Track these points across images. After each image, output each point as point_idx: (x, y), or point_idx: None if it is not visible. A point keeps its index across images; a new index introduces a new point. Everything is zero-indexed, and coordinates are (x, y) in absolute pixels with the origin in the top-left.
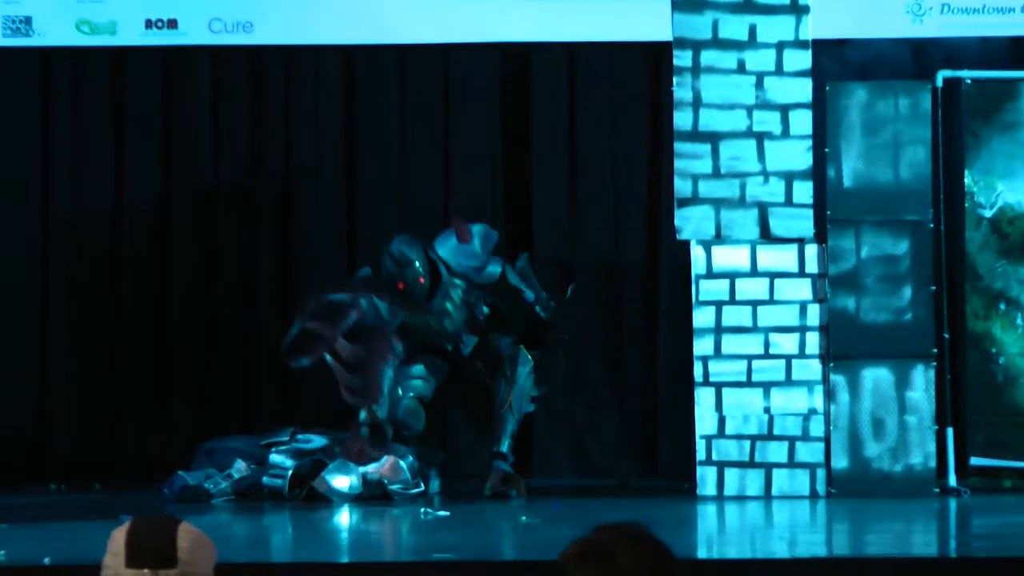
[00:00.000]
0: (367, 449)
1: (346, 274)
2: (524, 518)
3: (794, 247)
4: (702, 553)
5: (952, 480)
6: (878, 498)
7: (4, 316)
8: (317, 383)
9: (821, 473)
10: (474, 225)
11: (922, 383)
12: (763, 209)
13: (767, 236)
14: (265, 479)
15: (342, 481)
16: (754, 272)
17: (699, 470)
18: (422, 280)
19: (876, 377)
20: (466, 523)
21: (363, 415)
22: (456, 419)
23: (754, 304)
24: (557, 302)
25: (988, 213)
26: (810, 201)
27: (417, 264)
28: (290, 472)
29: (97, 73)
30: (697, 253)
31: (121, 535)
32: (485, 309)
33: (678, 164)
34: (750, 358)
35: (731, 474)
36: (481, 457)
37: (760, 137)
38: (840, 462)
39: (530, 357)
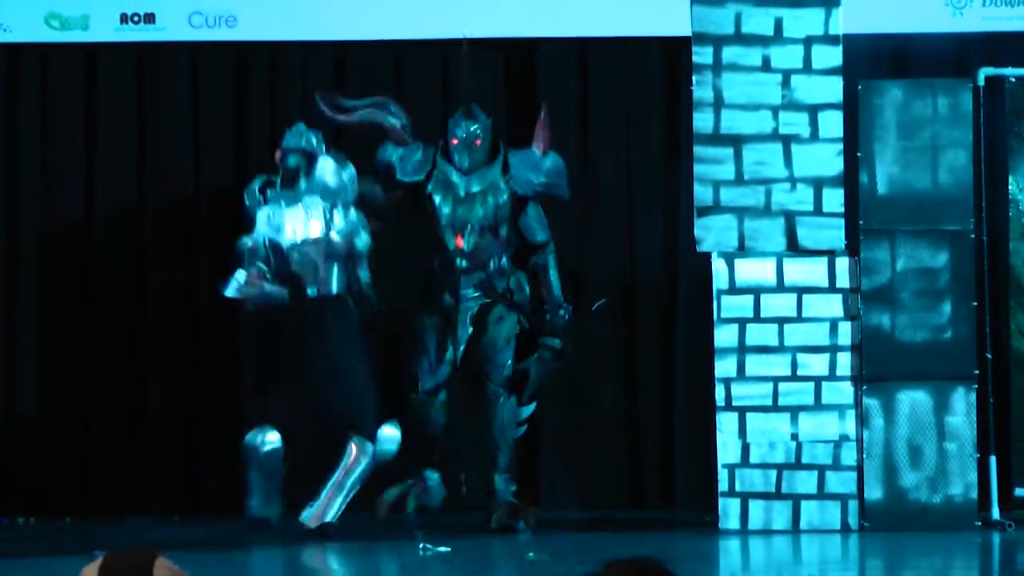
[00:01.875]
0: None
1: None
2: (531, 554)
3: (824, 260)
4: None
5: (995, 512)
6: (915, 532)
7: None
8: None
9: (853, 505)
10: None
11: (963, 407)
12: (790, 218)
13: (794, 248)
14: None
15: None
16: (780, 287)
17: (721, 502)
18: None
19: (913, 401)
20: (468, 559)
21: None
22: (457, 447)
23: (780, 322)
24: (573, 315)
25: None
26: (841, 210)
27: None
28: None
29: (68, 71)
30: (719, 266)
31: (93, 571)
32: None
33: (698, 170)
34: (776, 380)
35: (756, 506)
36: (483, 488)
37: (787, 140)
38: (874, 493)
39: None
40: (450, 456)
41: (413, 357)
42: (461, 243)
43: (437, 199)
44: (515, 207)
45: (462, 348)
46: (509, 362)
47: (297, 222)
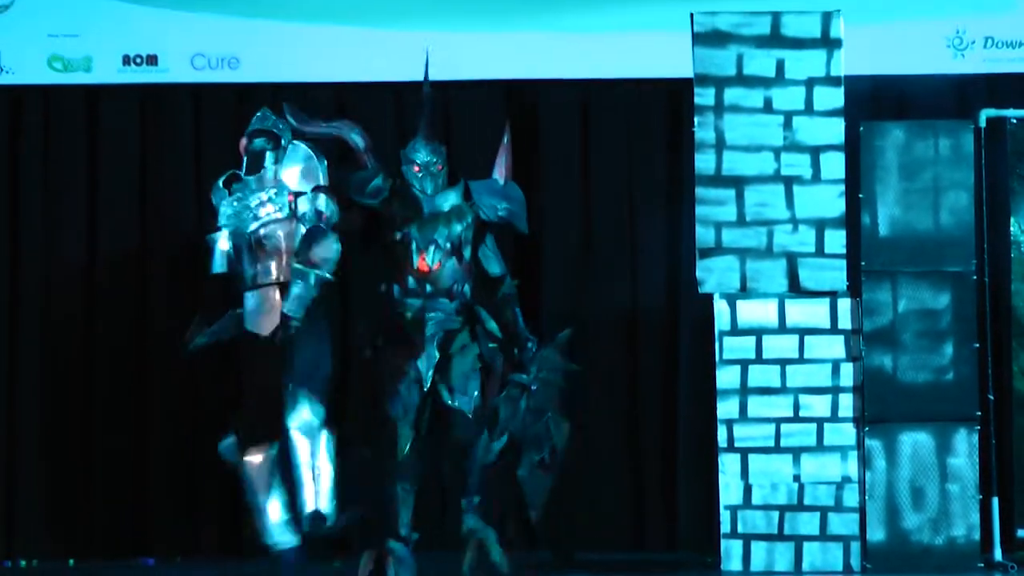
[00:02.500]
0: None
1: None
2: None
3: (826, 301)
4: None
5: (998, 554)
6: (918, 574)
7: None
8: None
9: (856, 546)
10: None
11: (965, 448)
12: (792, 260)
13: (796, 289)
14: None
15: None
16: (782, 328)
17: (723, 543)
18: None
19: (915, 442)
20: None
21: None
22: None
23: (782, 363)
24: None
25: None
26: (843, 251)
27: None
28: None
29: (70, 113)
30: (721, 307)
31: None
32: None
33: (700, 211)
34: (778, 421)
35: (758, 548)
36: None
37: (788, 181)
38: (876, 534)
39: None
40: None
41: (382, 381)
42: (425, 265)
43: (399, 220)
44: (475, 236)
45: (430, 373)
46: (476, 392)
47: (262, 206)
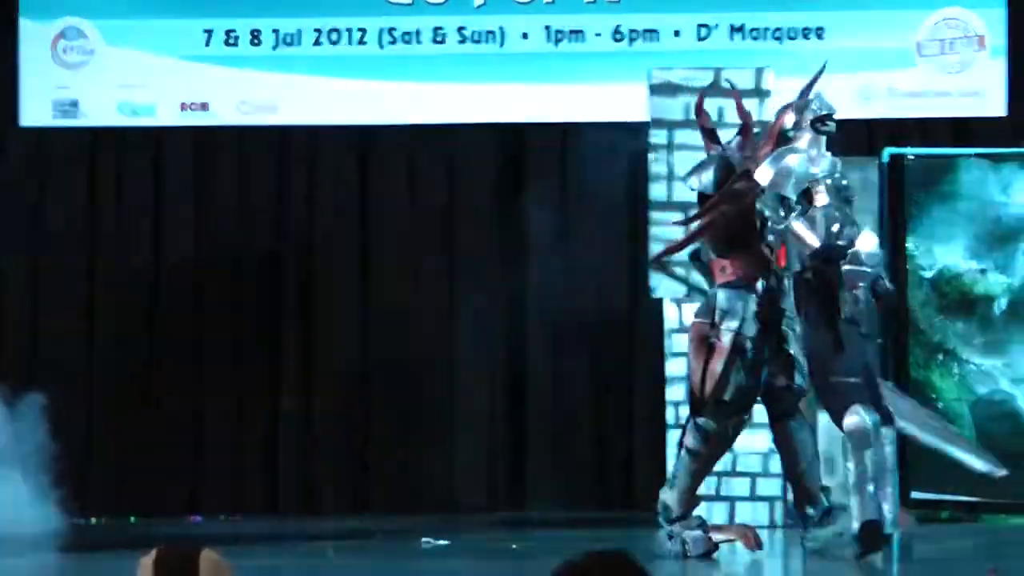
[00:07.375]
0: None
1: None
2: (514, 545)
3: None
4: None
5: None
6: (829, 527)
7: (55, 363)
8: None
9: (779, 505)
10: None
11: None
12: None
13: None
14: None
15: None
16: None
17: None
18: None
19: (829, 420)
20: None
21: None
22: None
23: None
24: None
25: (928, 274)
26: None
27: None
28: None
29: (137, 149)
30: (669, 311)
31: (149, 562)
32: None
33: (653, 231)
34: None
35: (699, 506)
36: None
37: None
38: None
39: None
40: None
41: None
42: (784, 261)
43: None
44: None
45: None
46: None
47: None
